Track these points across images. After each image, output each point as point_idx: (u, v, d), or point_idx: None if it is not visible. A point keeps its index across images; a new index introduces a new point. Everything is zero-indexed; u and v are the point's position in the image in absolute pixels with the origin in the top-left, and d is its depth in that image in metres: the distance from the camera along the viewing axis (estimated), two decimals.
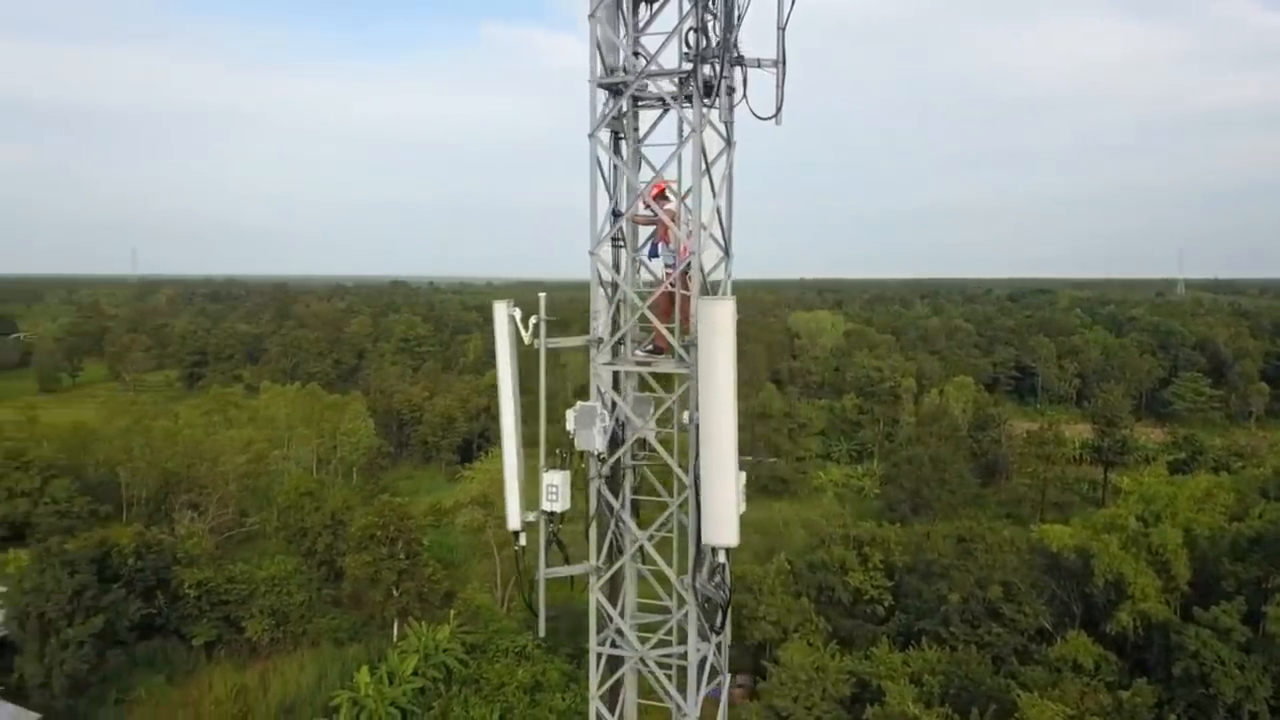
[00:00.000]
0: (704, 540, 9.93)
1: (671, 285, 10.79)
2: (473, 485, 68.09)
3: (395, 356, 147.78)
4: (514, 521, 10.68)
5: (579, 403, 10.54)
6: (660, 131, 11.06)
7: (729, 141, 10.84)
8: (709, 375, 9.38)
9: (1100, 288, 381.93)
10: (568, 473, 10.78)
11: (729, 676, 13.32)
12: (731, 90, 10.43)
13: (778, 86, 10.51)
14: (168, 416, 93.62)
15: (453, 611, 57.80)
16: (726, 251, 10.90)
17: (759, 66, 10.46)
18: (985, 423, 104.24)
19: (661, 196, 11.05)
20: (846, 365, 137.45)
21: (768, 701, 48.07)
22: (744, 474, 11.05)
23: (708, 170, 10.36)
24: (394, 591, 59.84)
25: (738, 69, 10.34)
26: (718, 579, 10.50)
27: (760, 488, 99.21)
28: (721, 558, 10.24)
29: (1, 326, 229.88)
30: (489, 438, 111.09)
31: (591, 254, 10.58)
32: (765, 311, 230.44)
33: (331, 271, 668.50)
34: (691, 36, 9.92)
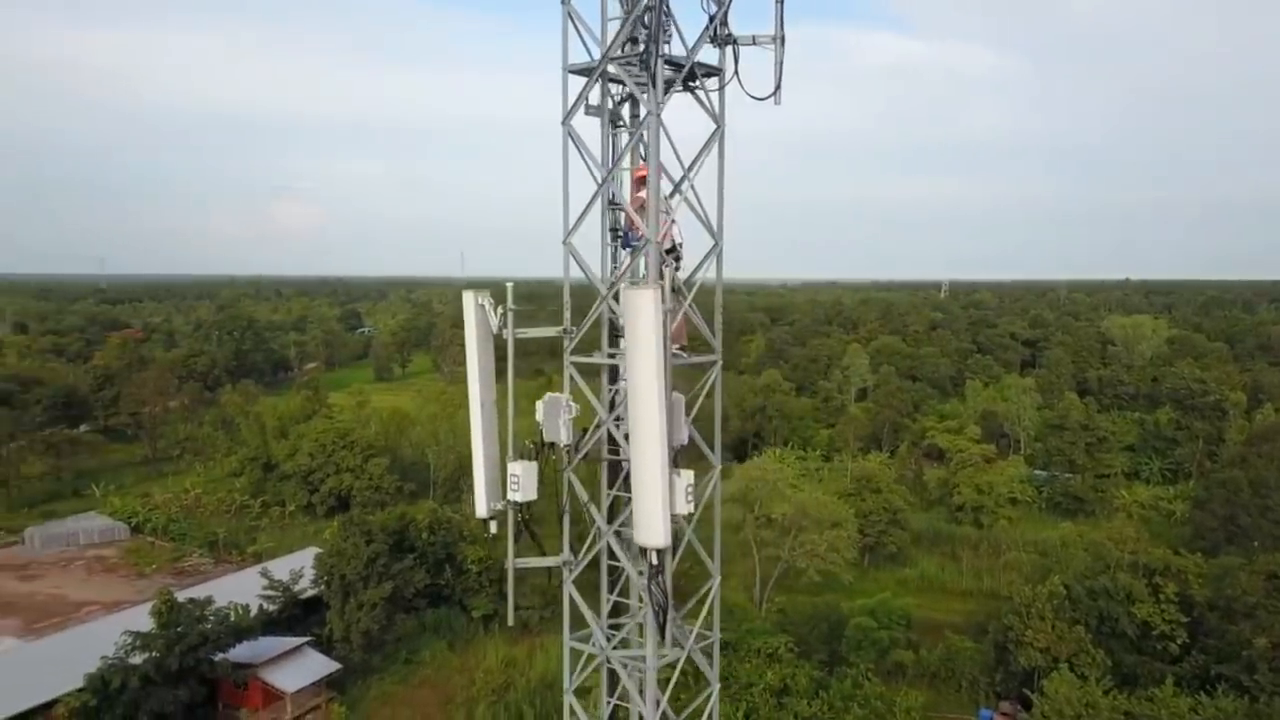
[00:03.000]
0: (636, 540, 9.49)
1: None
2: (730, 484, 68.45)
3: None
4: (481, 509, 10.73)
5: (547, 394, 10.45)
6: (667, 118, 10.60)
7: (719, 124, 10.25)
8: (633, 368, 8.93)
9: None
10: (533, 463, 10.68)
11: (718, 687, 12.63)
12: (713, 71, 9.84)
13: (776, 64, 9.78)
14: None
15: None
16: (716, 240, 10.31)
17: (754, 44, 9.79)
18: None
19: (642, 184, 10.65)
20: (1165, 375, 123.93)
21: None
22: (689, 473, 10.45)
23: (687, 165, 9.85)
24: None
25: (728, 48, 9.75)
26: (657, 582, 9.99)
27: (1053, 505, 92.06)
28: (654, 559, 9.74)
29: (353, 322, 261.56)
30: (763, 437, 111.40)
31: (564, 244, 10.42)
32: (1076, 315, 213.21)
33: None
34: (649, 16, 9.44)
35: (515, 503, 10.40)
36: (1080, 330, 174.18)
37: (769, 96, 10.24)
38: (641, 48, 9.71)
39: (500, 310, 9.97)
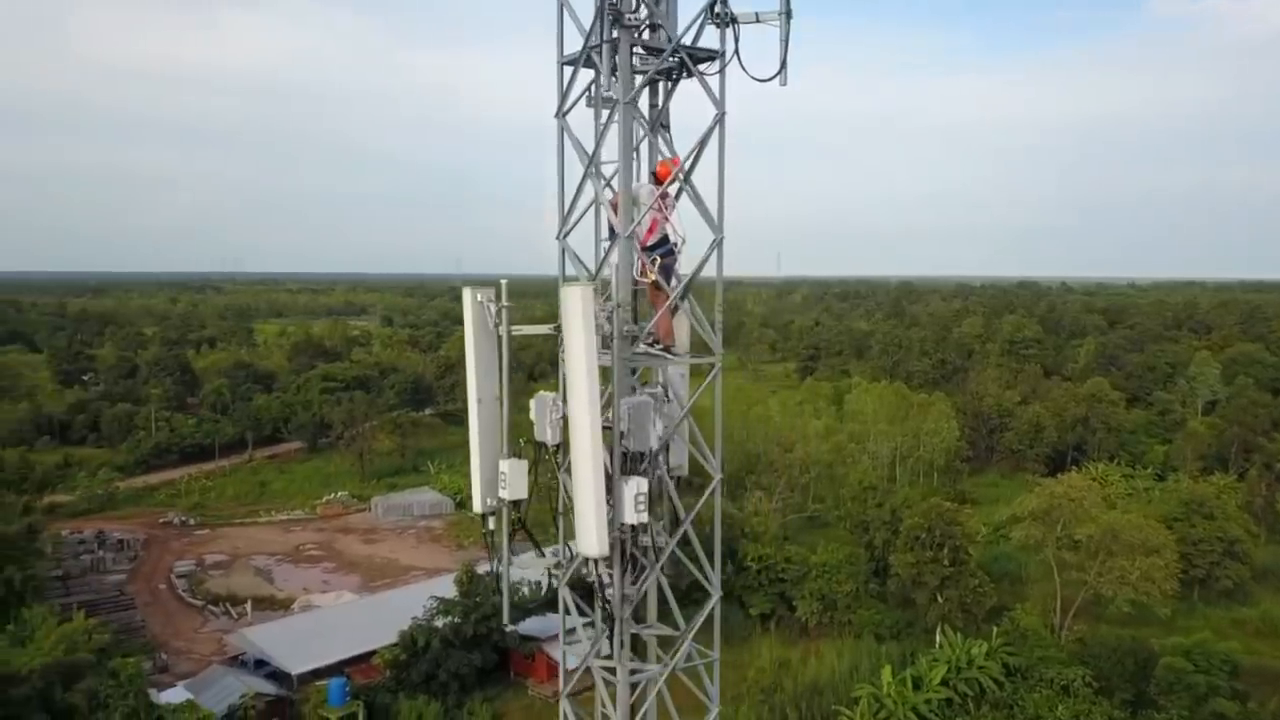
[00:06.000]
0: (576, 548, 8.77)
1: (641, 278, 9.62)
2: (1032, 499, 63.40)
3: (999, 359, 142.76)
4: (477, 505, 10.47)
5: (539, 392, 9.98)
6: (680, 108, 9.91)
7: (719, 109, 9.28)
8: (569, 367, 8.29)
9: None
10: (523, 462, 10.23)
11: (717, 709, 11.41)
12: (711, 55, 8.87)
13: (781, 42, 8.69)
14: (763, 404, 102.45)
15: (996, 628, 54.90)
16: (716, 233, 9.30)
17: (757, 21, 8.75)
18: None
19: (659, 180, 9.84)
20: None
21: None
22: (640, 480, 9.45)
23: (702, 152, 8.91)
24: (937, 597, 58.63)
25: (729, 29, 8.79)
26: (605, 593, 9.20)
27: None
28: (593, 570, 8.95)
29: None
30: (1085, 450, 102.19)
31: (559, 241, 9.85)
32: None
33: (964, 272, 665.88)
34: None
35: (506, 501, 10.33)
36: None
37: (773, 77, 9.40)
38: (613, 33, 9.25)
39: (496, 307, 9.95)
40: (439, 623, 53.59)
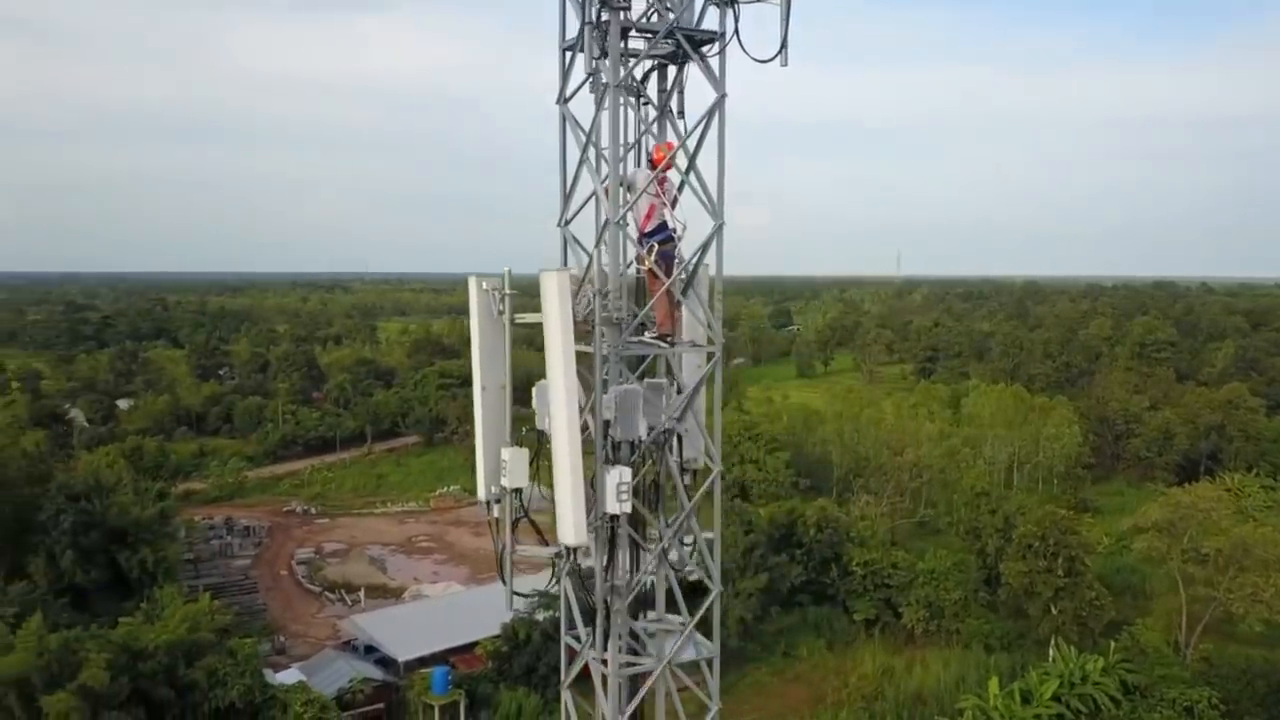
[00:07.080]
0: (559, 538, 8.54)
1: (640, 266, 9.29)
2: (1155, 509, 60.27)
3: (1128, 362, 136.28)
4: (481, 492, 10.37)
5: (540, 381, 9.77)
6: (689, 98, 9.58)
7: (718, 91, 8.92)
8: (547, 354, 8.05)
9: None
10: (523, 450, 10.04)
11: (718, 708, 10.91)
12: (711, 37, 8.50)
13: (782, 20, 8.27)
14: (875, 406, 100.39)
15: (1114, 643, 52.44)
16: (715, 219, 8.89)
17: (758, 0, 8.38)
18: None
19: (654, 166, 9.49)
20: None
21: None
22: (623, 469, 9.05)
23: (705, 136, 8.54)
24: (1051, 608, 56.38)
25: (729, 9, 8.44)
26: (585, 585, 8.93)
27: None
28: (573, 560, 8.65)
29: (782, 320, 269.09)
30: (1220, 459, 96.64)
31: (561, 228, 9.59)
32: None
33: (1098, 272, 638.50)
34: None
35: (509, 489, 10.29)
36: None
37: (773, 58, 9.02)
38: (601, 16, 9.03)
39: (501, 295, 9.91)
40: (540, 616, 54.30)
